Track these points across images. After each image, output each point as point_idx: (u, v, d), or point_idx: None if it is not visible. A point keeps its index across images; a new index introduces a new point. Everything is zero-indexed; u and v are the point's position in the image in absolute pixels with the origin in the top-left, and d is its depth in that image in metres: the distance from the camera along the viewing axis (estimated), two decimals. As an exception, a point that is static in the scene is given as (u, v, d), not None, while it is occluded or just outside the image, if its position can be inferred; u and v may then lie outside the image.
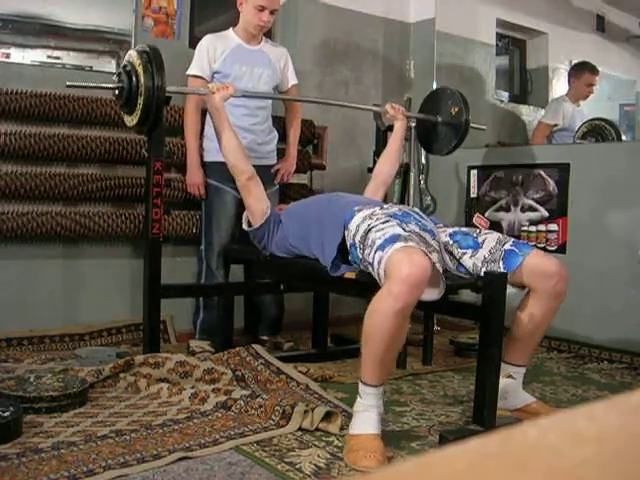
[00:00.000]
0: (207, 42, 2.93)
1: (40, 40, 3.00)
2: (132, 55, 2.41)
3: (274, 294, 3.14)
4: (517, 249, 2.03)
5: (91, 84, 2.52)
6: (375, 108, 3.03)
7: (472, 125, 2.98)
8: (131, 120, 2.44)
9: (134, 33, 3.13)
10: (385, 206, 2.22)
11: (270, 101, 3.09)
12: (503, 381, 2.03)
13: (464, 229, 2.21)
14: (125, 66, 2.42)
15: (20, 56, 2.96)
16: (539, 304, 2.03)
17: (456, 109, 2.95)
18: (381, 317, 1.74)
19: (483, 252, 2.07)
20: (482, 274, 2.02)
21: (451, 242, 2.14)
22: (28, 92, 2.82)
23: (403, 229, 1.92)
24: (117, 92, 2.43)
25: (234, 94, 2.58)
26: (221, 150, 2.56)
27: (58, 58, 3.03)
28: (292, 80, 3.15)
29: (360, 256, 2.02)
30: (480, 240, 2.11)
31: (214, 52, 2.92)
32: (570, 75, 4.33)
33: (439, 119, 3.02)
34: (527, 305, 2.05)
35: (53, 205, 2.94)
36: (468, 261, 2.10)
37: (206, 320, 3.02)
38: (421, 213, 2.23)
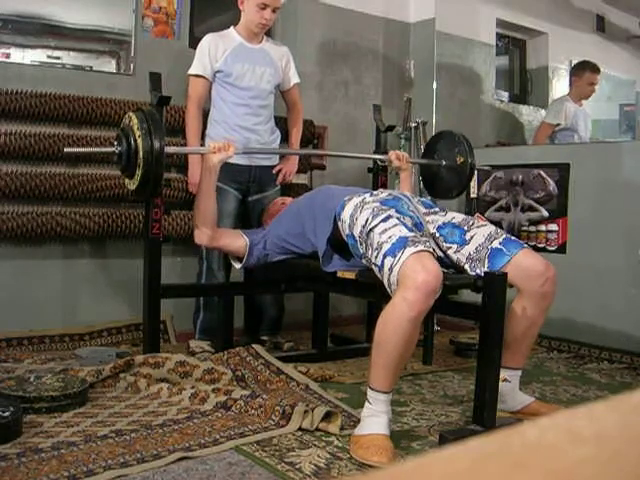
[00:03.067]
0: (208, 41, 2.92)
1: (40, 40, 3.00)
2: (130, 116, 2.34)
3: (274, 294, 3.13)
4: (505, 248, 2.01)
5: (94, 149, 2.56)
6: (380, 156, 2.99)
7: (479, 167, 2.96)
8: (132, 184, 2.38)
9: (134, 33, 3.13)
10: (375, 192, 2.22)
11: (272, 100, 3.08)
12: (503, 386, 2.03)
13: (456, 220, 2.17)
14: (123, 129, 2.36)
15: (20, 56, 2.96)
16: (528, 305, 2.02)
17: (462, 159, 2.88)
18: (395, 325, 1.74)
19: (469, 249, 2.07)
20: (466, 268, 2.04)
21: (437, 235, 2.14)
22: (28, 92, 2.82)
23: (404, 225, 1.92)
24: (116, 157, 2.36)
25: (235, 153, 2.53)
26: (196, 209, 2.52)
27: (58, 58, 3.03)
28: (294, 79, 3.14)
29: (362, 251, 2.01)
30: (468, 236, 2.09)
31: (215, 51, 2.90)
32: (572, 74, 4.34)
33: (443, 163, 2.94)
34: (516, 307, 2.04)
35: (53, 205, 2.94)
36: (452, 255, 2.11)
37: (206, 320, 3.02)
38: (411, 198, 2.23)
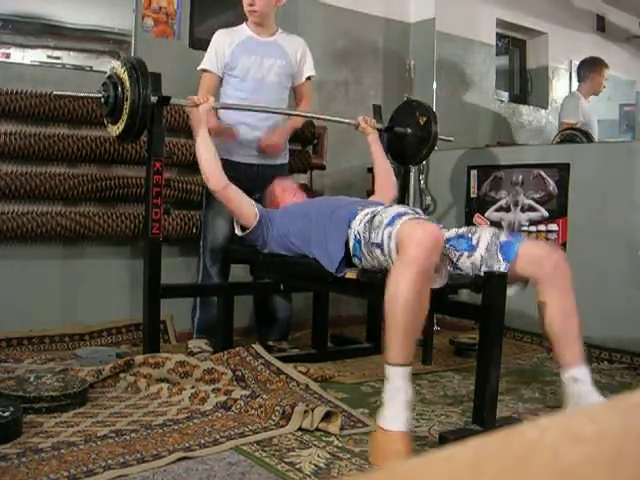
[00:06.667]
0: (217, 36, 2.92)
1: (40, 40, 2.99)
2: (116, 65, 2.46)
3: (281, 296, 3.11)
4: (512, 238, 2.09)
5: (79, 94, 2.60)
6: (350, 121, 3.02)
7: (440, 137, 3.07)
8: (116, 129, 2.47)
9: (134, 33, 3.13)
10: (387, 205, 2.25)
11: (282, 95, 3.00)
12: (573, 387, 1.92)
13: (459, 231, 2.21)
14: (110, 77, 2.45)
15: (20, 56, 2.95)
16: (551, 292, 1.99)
17: (424, 119, 3.04)
18: (400, 285, 1.72)
19: (480, 251, 2.09)
20: (482, 273, 2.03)
21: (447, 246, 2.15)
22: (28, 92, 2.82)
23: (407, 210, 2.00)
24: (103, 101, 2.47)
25: (214, 106, 2.62)
26: (200, 160, 2.56)
27: (58, 58, 3.03)
28: (308, 72, 3.06)
29: (364, 249, 2.04)
30: (475, 240, 2.12)
31: (223, 46, 2.89)
32: (587, 71, 4.25)
33: (409, 131, 3.10)
34: (542, 300, 2.02)
35: (53, 205, 2.94)
36: (467, 261, 2.11)
37: (203, 318, 3.00)
38: (422, 214, 2.24)
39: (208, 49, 2.93)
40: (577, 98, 4.22)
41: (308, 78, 3.08)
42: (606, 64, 4.22)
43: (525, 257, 2.02)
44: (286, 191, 2.74)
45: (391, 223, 1.89)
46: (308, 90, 3.11)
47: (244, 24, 2.98)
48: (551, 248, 2.06)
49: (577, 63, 4.63)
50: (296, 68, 3.02)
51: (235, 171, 2.78)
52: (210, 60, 2.90)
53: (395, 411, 1.74)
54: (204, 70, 2.91)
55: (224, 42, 2.90)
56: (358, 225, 2.10)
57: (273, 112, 2.95)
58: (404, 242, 1.77)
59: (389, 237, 1.86)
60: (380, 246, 1.92)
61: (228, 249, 2.94)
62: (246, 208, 2.53)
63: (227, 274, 3.01)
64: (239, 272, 3.14)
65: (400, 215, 1.92)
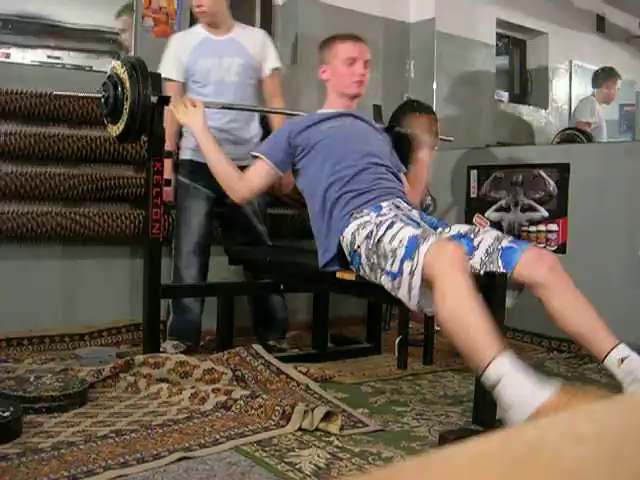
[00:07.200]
0: (173, 41, 2.88)
1: (40, 40, 3.00)
2: (116, 65, 2.46)
3: (277, 295, 3.08)
4: (516, 244, 2.03)
5: (79, 94, 2.61)
6: None
7: (440, 137, 3.06)
8: (116, 129, 2.46)
9: (134, 33, 3.14)
10: (383, 210, 2.19)
11: (246, 93, 2.91)
12: (621, 368, 1.87)
13: (462, 230, 2.18)
14: (110, 77, 2.45)
15: (20, 56, 2.96)
16: (553, 294, 1.96)
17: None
18: (455, 294, 1.69)
19: (479, 255, 2.06)
20: (481, 274, 2.02)
21: None
22: (28, 92, 2.82)
23: (410, 225, 1.95)
24: (103, 101, 2.46)
25: (211, 106, 2.58)
26: (216, 174, 2.45)
27: (58, 58, 3.03)
28: (272, 64, 2.92)
29: (364, 263, 2.04)
30: (476, 242, 2.09)
31: (180, 50, 2.83)
32: (602, 79, 4.55)
33: (409, 131, 3.06)
34: (549, 307, 1.98)
35: (53, 205, 2.94)
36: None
37: (174, 321, 2.91)
38: (417, 217, 2.22)
39: (164, 57, 2.84)
40: (592, 102, 4.46)
41: (274, 71, 2.95)
42: (619, 75, 4.46)
43: (522, 264, 1.98)
44: (347, 78, 2.57)
45: (409, 256, 1.82)
46: (276, 85, 2.97)
47: (198, 25, 2.91)
48: (541, 251, 2.02)
49: (577, 63, 4.68)
50: (257, 62, 2.91)
51: (203, 172, 2.64)
52: (168, 68, 2.79)
53: (531, 389, 1.52)
54: (165, 79, 2.74)
55: (180, 48, 2.83)
56: (351, 237, 2.10)
57: (271, 112, 2.95)
58: (435, 264, 1.74)
59: (411, 273, 1.80)
60: (393, 275, 1.88)
61: (206, 251, 2.90)
62: (267, 179, 2.45)
63: (205, 277, 2.93)
64: (240, 272, 3.14)
65: (413, 242, 1.84)
